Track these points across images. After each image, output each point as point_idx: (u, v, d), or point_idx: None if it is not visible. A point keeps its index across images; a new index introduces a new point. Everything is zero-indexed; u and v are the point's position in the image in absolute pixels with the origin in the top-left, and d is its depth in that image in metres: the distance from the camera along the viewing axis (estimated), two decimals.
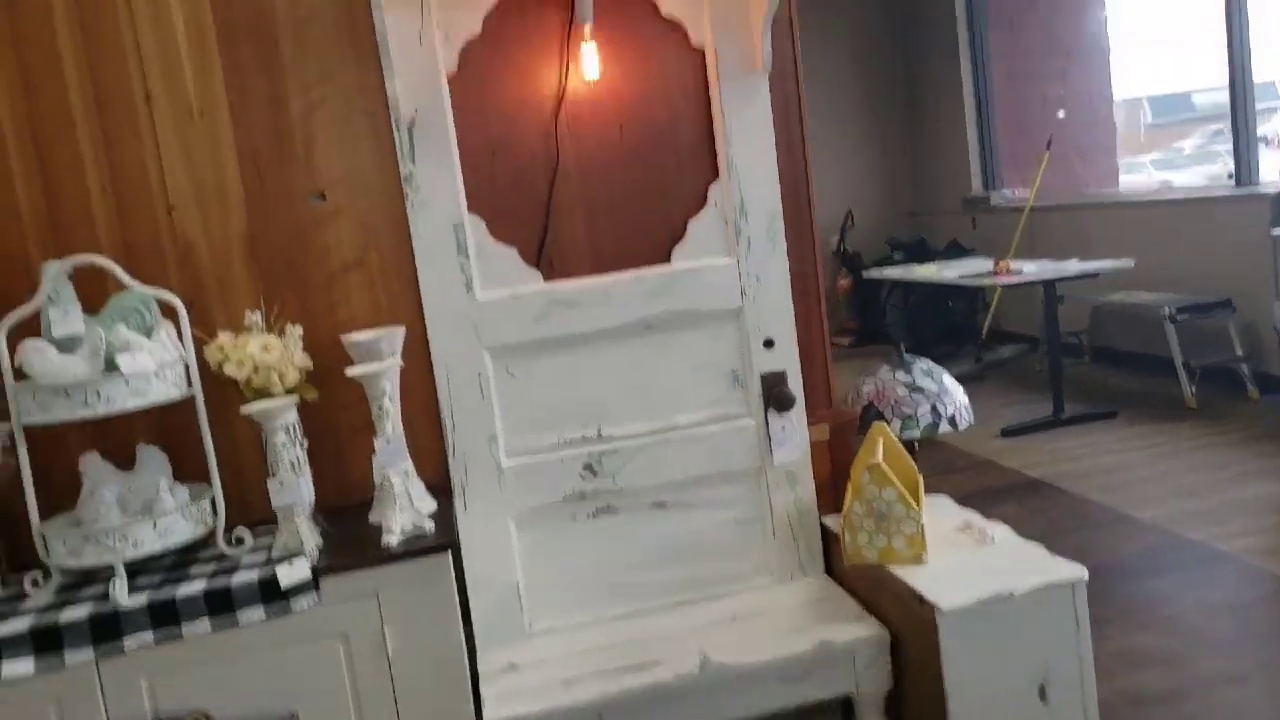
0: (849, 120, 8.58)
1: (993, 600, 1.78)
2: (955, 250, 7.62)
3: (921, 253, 7.84)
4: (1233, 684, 2.55)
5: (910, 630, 1.90)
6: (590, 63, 2.08)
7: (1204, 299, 5.27)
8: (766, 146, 2.18)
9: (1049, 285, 5.24)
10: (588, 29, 2.04)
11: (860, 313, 8.34)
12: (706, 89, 2.18)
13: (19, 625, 1.70)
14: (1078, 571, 1.84)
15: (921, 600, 1.82)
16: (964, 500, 2.32)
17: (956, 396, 2.44)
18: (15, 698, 1.70)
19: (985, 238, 7.54)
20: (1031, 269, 5.40)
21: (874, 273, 7.01)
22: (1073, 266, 5.33)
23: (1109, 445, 4.79)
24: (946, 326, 7.51)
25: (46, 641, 1.70)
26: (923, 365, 2.50)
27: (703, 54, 2.16)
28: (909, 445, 2.42)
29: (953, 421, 2.41)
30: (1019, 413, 5.54)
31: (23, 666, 1.69)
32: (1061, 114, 7.77)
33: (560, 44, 2.10)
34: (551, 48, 2.10)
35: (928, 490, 2.19)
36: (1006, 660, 1.80)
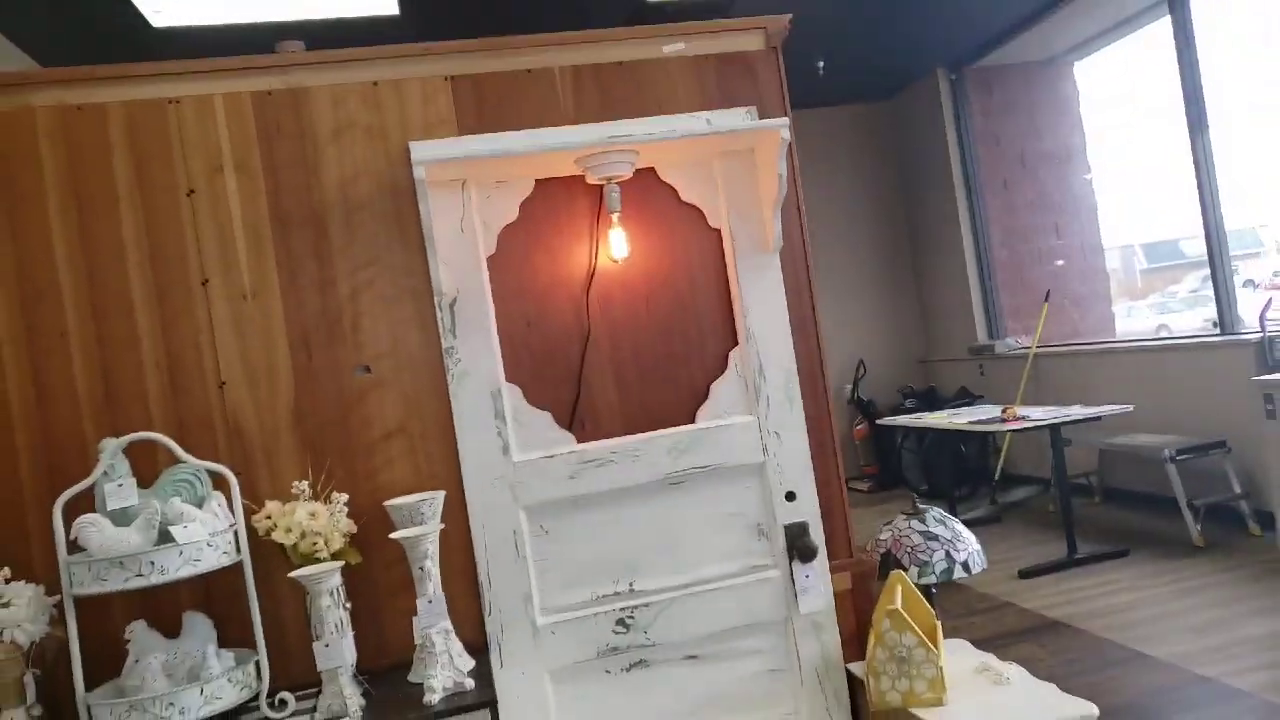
0: (859, 276, 8.90)
1: None
2: (964, 397, 7.78)
3: (932, 399, 8.00)
4: None
5: None
6: (618, 244, 2.26)
7: (1201, 440, 5.37)
8: (780, 315, 2.34)
9: (1055, 429, 5.35)
10: (615, 216, 2.22)
11: (878, 458, 8.45)
12: (724, 265, 2.35)
13: None
14: (1088, 709, 1.89)
15: None
16: (984, 642, 2.36)
17: (969, 542, 2.51)
18: None
19: (992, 384, 7.71)
20: (1038, 414, 5.52)
21: (888, 420, 7.14)
22: (1076, 411, 5.46)
23: (1122, 584, 4.80)
24: (960, 470, 7.58)
25: None
26: (935, 514, 2.58)
27: (719, 233, 2.35)
28: (926, 590, 2.48)
29: (966, 566, 2.46)
30: (1035, 554, 5.56)
31: None
32: (1060, 262, 8.08)
33: (590, 226, 2.29)
34: (582, 229, 2.29)
35: (947, 634, 2.24)
36: None
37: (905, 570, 2.44)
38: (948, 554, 2.48)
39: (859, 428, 8.36)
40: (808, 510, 2.35)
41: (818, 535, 2.35)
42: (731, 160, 2.33)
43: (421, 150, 2.14)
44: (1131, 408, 5.45)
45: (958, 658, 2.31)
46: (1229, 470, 5.28)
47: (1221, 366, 5.40)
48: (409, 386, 2.24)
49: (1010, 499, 7.13)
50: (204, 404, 2.16)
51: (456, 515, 2.20)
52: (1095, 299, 8.16)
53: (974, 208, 8.14)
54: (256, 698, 1.94)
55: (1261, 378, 3.88)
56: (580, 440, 2.29)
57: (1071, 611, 4.53)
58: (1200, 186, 5.70)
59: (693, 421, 2.33)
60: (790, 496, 2.34)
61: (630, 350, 2.32)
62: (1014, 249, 8.10)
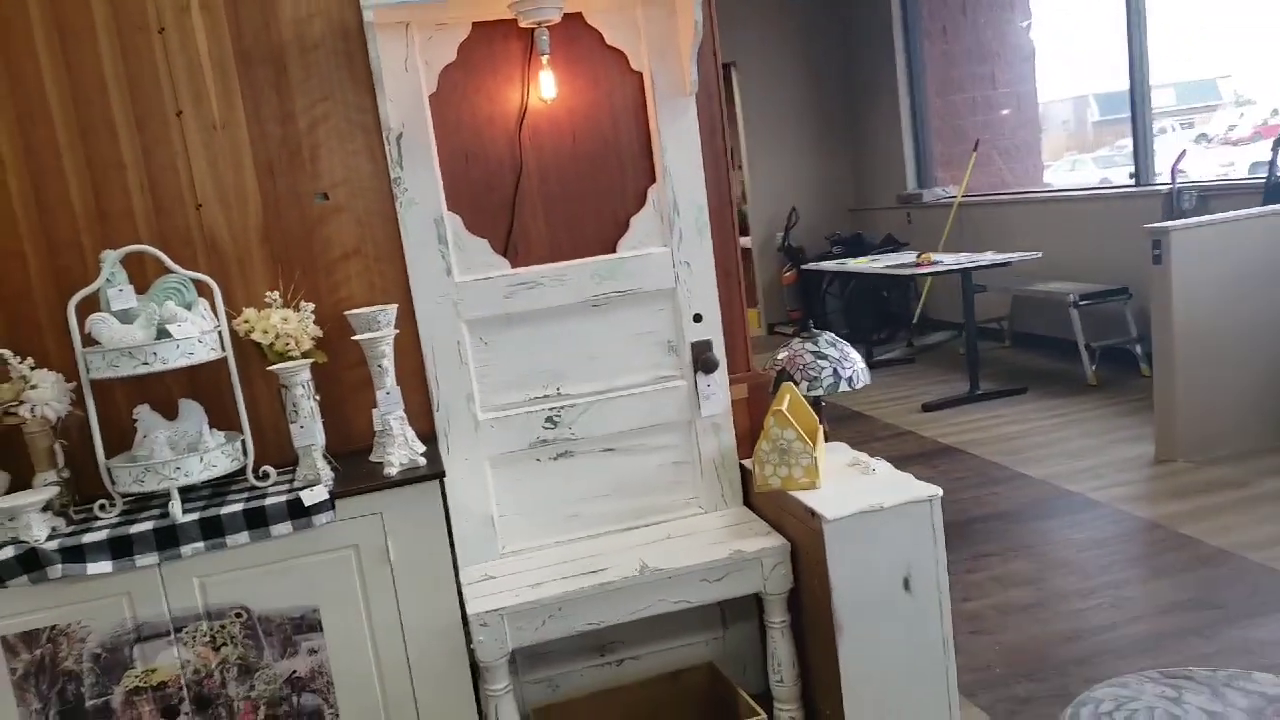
0: (794, 124, 9.12)
1: (867, 512, 2.28)
2: (890, 244, 8.19)
3: (858, 247, 8.41)
4: (1082, 597, 3.09)
5: (805, 540, 2.39)
6: (547, 84, 2.54)
7: (1104, 287, 5.86)
8: (694, 155, 2.66)
9: (965, 274, 5.80)
10: (545, 57, 2.50)
11: (804, 303, 8.90)
12: (645, 106, 2.65)
13: (98, 536, 2.13)
14: (934, 490, 2.34)
15: (812, 514, 2.31)
16: None
17: (855, 362, 2.92)
18: (98, 591, 2.14)
19: (919, 232, 8.11)
20: (950, 260, 5.95)
21: (812, 265, 7.54)
22: (986, 257, 5.90)
23: (1015, 417, 5.36)
24: (882, 315, 8.08)
25: (120, 548, 2.14)
26: (828, 337, 2.96)
27: (641, 76, 2.63)
28: (815, 402, 2.91)
29: (850, 381, 2.87)
30: (940, 390, 6.11)
31: (103, 567, 2.13)
32: (1005, 111, 8.36)
33: (522, 68, 2.56)
34: (515, 71, 2.56)
35: (851, 445, 2.69)
36: (877, 559, 2.29)
37: (796, 384, 2.86)
38: (835, 371, 2.89)
39: (788, 274, 8.77)
40: (712, 330, 2.73)
41: (720, 352, 2.74)
42: (653, 7, 2.59)
43: None
44: (1039, 254, 5.89)
45: (836, 455, 2.76)
46: (1128, 315, 5.79)
47: (1133, 217, 5.82)
48: (362, 213, 2.55)
49: (926, 342, 7.66)
50: (184, 223, 2.46)
51: (407, 326, 2.55)
52: (1027, 150, 8.49)
53: (911, 55, 8.31)
54: (243, 471, 2.32)
55: (1151, 225, 4.28)
56: (514, 265, 2.62)
57: (965, 439, 5.08)
58: (1130, 37, 5.95)
59: (614, 251, 2.68)
60: (697, 318, 2.72)
61: (558, 184, 2.64)
62: (949, 98, 8.34)
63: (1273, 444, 4.30)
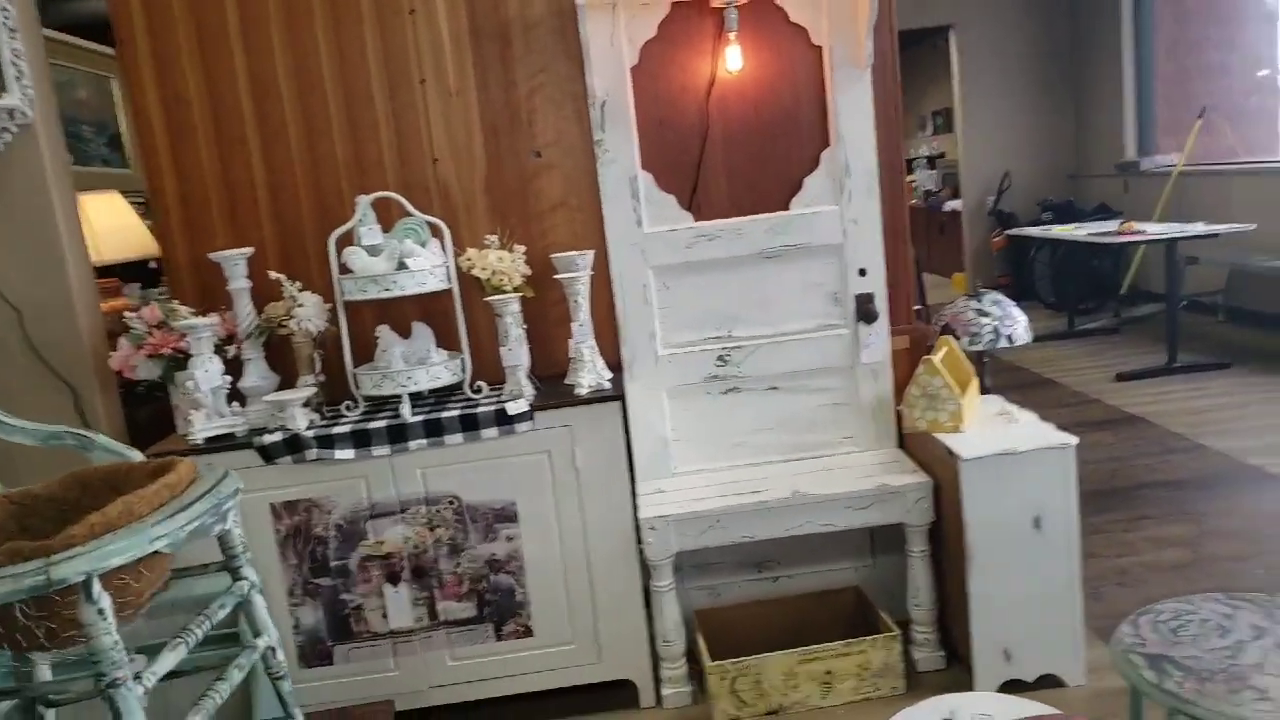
0: (1011, 88, 8.90)
1: (1001, 454, 2.48)
2: (1103, 213, 7.93)
3: (1069, 214, 8.18)
4: (1235, 561, 3.13)
5: (946, 477, 2.62)
6: (734, 58, 2.83)
7: None
8: (866, 122, 2.88)
9: (1170, 245, 5.63)
10: (732, 34, 2.78)
11: (1012, 268, 8.76)
12: (822, 78, 2.89)
13: (345, 428, 2.64)
14: (1069, 439, 2.51)
15: (951, 453, 2.53)
16: (1062, 428, 2.91)
17: (1017, 321, 3.06)
18: (343, 473, 2.66)
19: (1135, 202, 7.81)
20: (1154, 229, 5.79)
21: (1016, 231, 7.44)
22: (1194, 228, 5.70)
23: (1211, 391, 5.22)
24: (1090, 283, 7.86)
25: (361, 440, 2.64)
26: (993, 296, 3.12)
27: (820, 50, 2.87)
28: (976, 356, 3.09)
29: (1010, 339, 3.03)
30: (1139, 361, 5.98)
31: (347, 454, 2.64)
32: (1265, 72, 7.86)
33: (712, 43, 2.86)
34: (706, 46, 2.87)
35: (1018, 397, 2.87)
36: (1010, 498, 2.49)
37: (957, 338, 3.05)
38: (995, 328, 3.06)
39: (996, 239, 8.64)
40: (875, 284, 2.96)
41: (881, 304, 2.97)
42: None
43: None
44: (1253, 226, 5.64)
45: (987, 405, 2.95)
46: None
47: None
48: (569, 170, 2.94)
49: (1134, 314, 7.42)
50: (422, 174, 2.93)
51: (601, 271, 2.92)
52: (1261, 118, 7.96)
53: (1140, 14, 7.93)
54: (461, 384, 2.78)
55: None
56: (697, 219, 2.94)
57: (1152, 410, 5.02)
58: None
59: (787, 208, 2.95)
60: (862, 272, 2.96)
61: (740, 147, 2.93)
62: (1179, 61, 7.92)
63: None
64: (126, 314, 2.83)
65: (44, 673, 1.57)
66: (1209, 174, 7.06)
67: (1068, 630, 2.56)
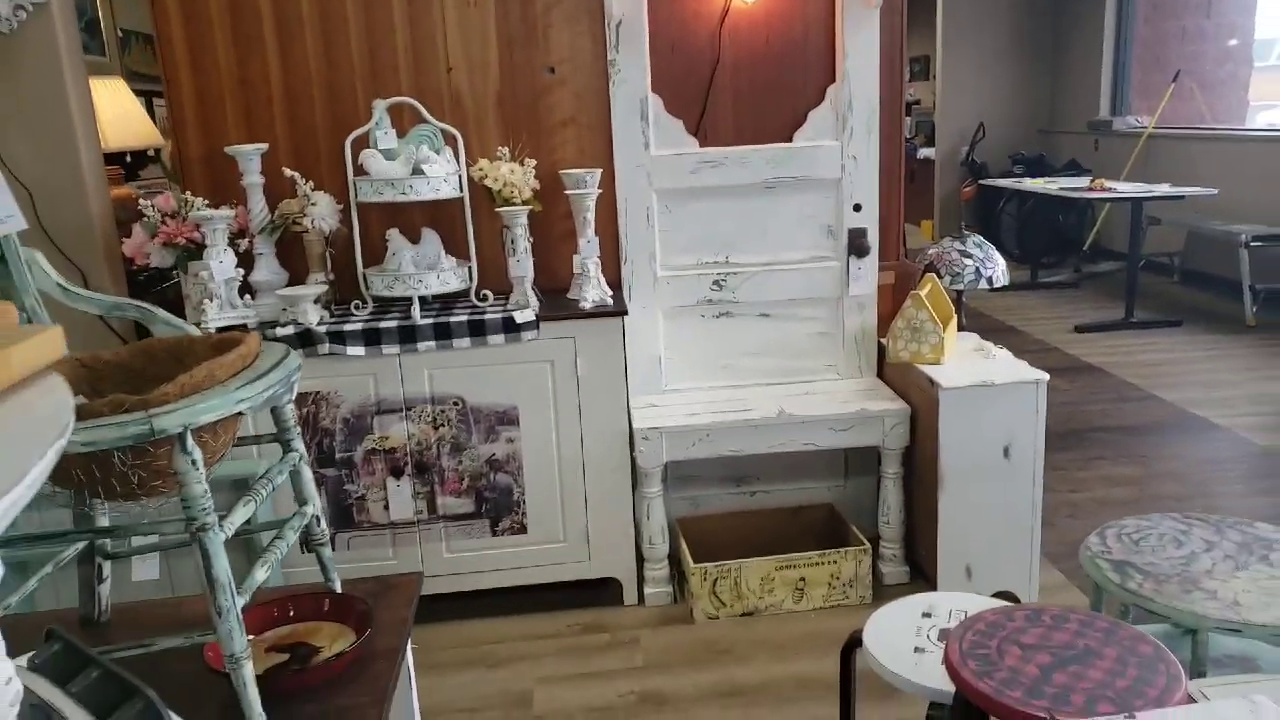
0: (992, 41, 9.00)
1: (978, 385, 2.65)
2: (1073, 169, 8.12)
3: (1040, 168, 8.37)
4: (1177, 500, 3.38)
5: (924, 406, 2.79)
6: None
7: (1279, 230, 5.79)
8: (872, 62, 2.98)
9: (1136, 204, 5.84)
10: None
11: (980, 219, 8.95)
12: (833, 15, 2.98)
13: (355, 326, 2.74)
14: (1040, 375, 2.69)
15: (931, 382, 2.70)
16: None
17: (998, 264, 3.23)
18: (352, 370, 2.76)
19: (1105, 160, 8.01)
20: (1123, 188, 5.99)
21: (988, 181, 7.61)
22: (1160, 189, 5.90)
23: (1165, 346, 5.47)
24: (1055, 238, 8.08)
25: (371, 338, 2.74)
26: (976, 239, 3.28)
27: None
28: (957, 295, 3.25)
29: (990, 280, 3.20)
30: (1096, 315, 6.23)
31: (358, 350, 2.74)
32: (1234, 42, 8.04)
33: None
34: None
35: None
36: (983, 428, 2.67)
37: (940, 277, 3.21)
38: (977, 270, 3.23)
39: (966, 188, 8.81)
40: (869, 219, 3.09)
41: (873, 239, 3.11)
42: None
43: None
44: (1216, 191, 5.86)
45: (965, 342, 3.12)
46: None
47: None
48: (581, 87, 3.01)
49: (1095, 269, 7.67)
50: (436, 82, 2.98)
51: (607, 189, 3.01)
52: (1231, 85, 8.17)
53: None
54: (469, 291, 2.88)
55: None
56: (702, 145, 3.04)
57: (1108, 360, 5.26)
58: None
59: (790, 141, 3.06)
60: (857, 208, 3.09)
61: (748, 78, 3.02)
62: (1157, 25, 8.08)
63: None
64: (142, 201, 2.87)
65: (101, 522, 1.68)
66: (1177, 137, 7.26)
67: (1025, 552, 2.77)
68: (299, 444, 1.67)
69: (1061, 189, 6.33)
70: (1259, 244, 5.75)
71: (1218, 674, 1.72)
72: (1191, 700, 1.39)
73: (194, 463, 1.30)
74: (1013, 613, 1.56)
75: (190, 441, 1.29)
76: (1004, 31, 8.98)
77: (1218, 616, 1.59)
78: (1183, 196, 5.81)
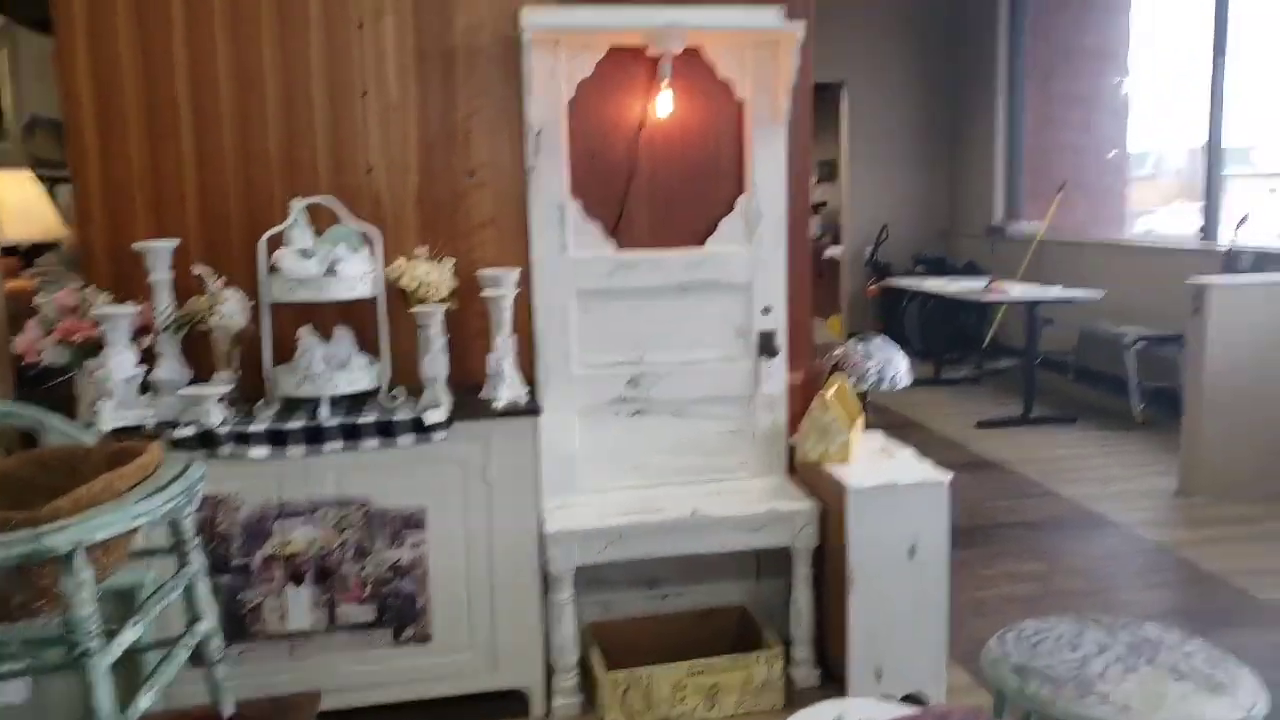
0: (895, 146, 9.45)
1: (884, 486, 2.71)
2: (971, 270, 8.48)
3: (940, 268, 8.72)
4: (1079, 597, 3.47)
5: (832, 505, 2.84)
6: (664, 104, 3.01)
7: (1162, 333, 6.12)
8: (780, 174, 3.10)
9: (1030, 306, 6.11)
10: (665, 82, 2.96)
11: (885, 316, 9.25)
12: (743, 130, 3.10)
13: (260, 427, 2.67)
14: (944, 476, 2.76)
15: (839, 483, 2.75)
16: None
17: (899, 366, 3.33)
18: (255, 472, 2.69)
19: (1001, 262, 8.39)
20: (1017, 291, 6.28)
21: (892, 281, 7.89)
22: (1052, 292, 6.21)
23: (1061, 443, 5.69)
24: (957, 335, 8.38)
25: (277, 439, 2.68)
26: (879, 341, 3.38)
27: (743, 104, 3.08)
28: (862, 395, 3.34)
29: (892, 381, 3.30)
30: (997, 411, 6.44)
31: (261, 452, 2.67)
32: (1114, 152, 8.58)
33: (646, 87, 3.04)
34: (640, 90, 3.04)
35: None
36: (890, 528, 2.72)
37: (846, 377, 3.29)
38: (880, 371, 3.32)
39: (872, 287, 9.11)
40: (778, 322, 3.18)
41: (782, 341, 3.19)
42: (760, 49, 3.04)
43: (530, 17, 2.87)
44: (1101, 295, 6.17)
45: (869, 441, 3.19)
46: (1180, 361, 6.03)
47: (1196, 270, 6.07)
48: (500, 191, 3.06)
49: (995, 366, 7.95)
50: (355, 182, 2.99)
51: (525, 288, 3.04)
52: (1111, 197, 8.70)
53: (1013, 94, 8.58)
54: (379, 390, 2.85)
55: (1194, 280, 4.59)
56: (619, 248, 3.10)
57: (1009, 457, 5.43)
58: (1212, 97, 6.20)
59: (703, 245, 3.14)
60: (766, 310, 3.17)
61: (664, 186, 3.11)
62: (1043, 137, 8.59)
63: None
64: (38, 298, 2.79)
65: None
66: (1065, 243, 7.67)
67: (934, 653, 2.81)
68: (198, 556, 1.62)
69: (960, 290, 6.59)
70: (1143, 345, 6.05)
71: None
72: None
73: (82, 584, 1.24)
74: None
75: (80, 561, 1.24)
76: (905, 139, 9.43)
77: None
78: (1071, 300, 6.10)
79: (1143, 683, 1.74)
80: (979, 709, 1.57)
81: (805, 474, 3.08)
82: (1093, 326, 6.72)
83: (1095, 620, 1.94)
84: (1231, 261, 5.72)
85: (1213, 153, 6.21)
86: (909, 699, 2.68)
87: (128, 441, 1.56)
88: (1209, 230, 6.24)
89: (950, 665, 2.91)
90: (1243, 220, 5.85)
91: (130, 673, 2.30)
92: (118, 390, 2.68)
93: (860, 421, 3.13)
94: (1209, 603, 3.48)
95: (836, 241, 10.41)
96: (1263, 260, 5.61)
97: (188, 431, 2.66)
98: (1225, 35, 6.03)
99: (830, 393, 3.00)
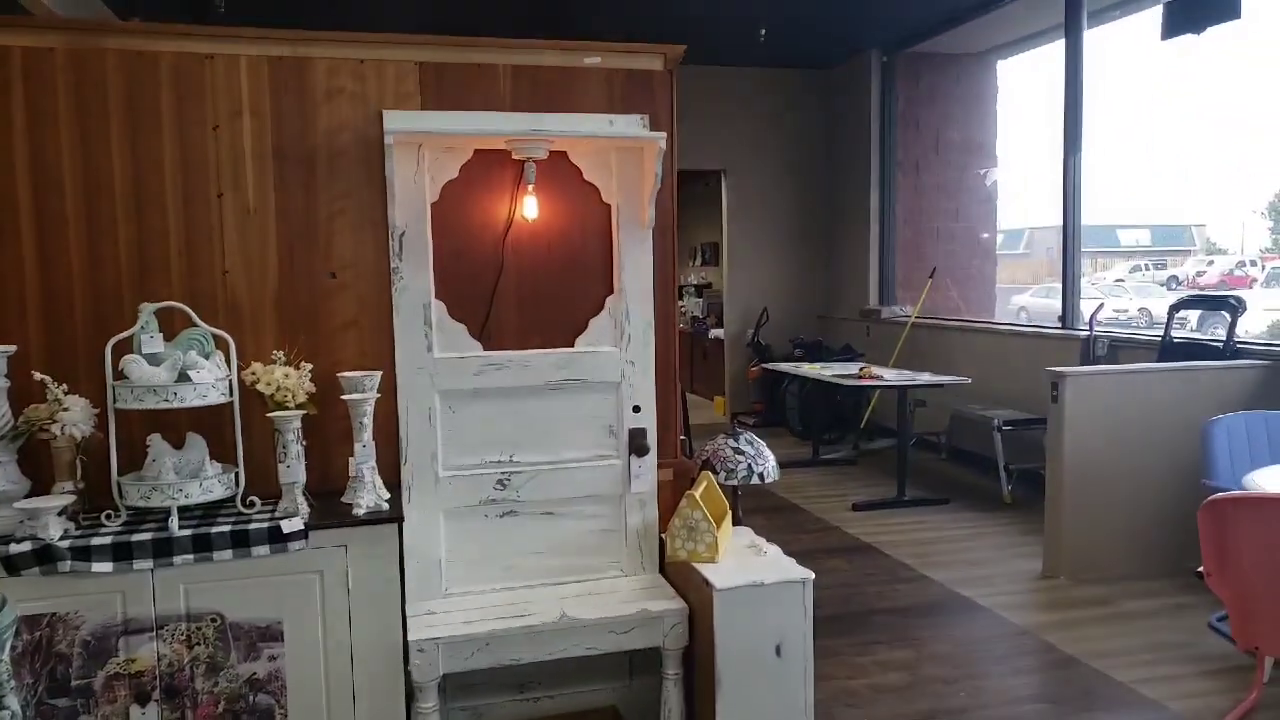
0: (774, 232, 9.77)
1: (750, 586, 2.74)
2: (848, 353, 8.74)
3: (818, 352, 8.96)
4: (946, 684, 3.54)
5: (701, 605, 2.84)
6: (531, 206, 3.05)
7: (1027, 415, 6.40)
8: (646, 276, 3.16)
9: (902, 391, 6.32)
10: (530, 186, 3.01)
11: (766, 397, 9.43)
12: (610, 232, 3.16)
13: (104, 540, 2.55)
14: (807, 574, 2.80)
15: (707, 583, 2.76)
16: (802, 554, 3.19)
17: (768, 460, 3.38)
18: (97, 587, 2.55)
19: (876, 345, 8.68)
20: (889, 375, 6.49)
21: (770, 365, 8.07)
22: (923, 377, 6.44)
23: (933, 524, 5.84)
24: (835, 417, 8.59)
25: (122, 552, 2.55)
26: (748, 437, 3.43)
27: (610, 208, 3.15)
28: (732, 490, 3.38)
29: (761, 476, 3.33)
30: (872, 493, 6.59)
31: (105, 567, 2.54)
32: (985, 235, 9.02)
33: (511, 190, 3.07)
34: (505, 192, 3.07)
35: (772, 539, 3.16)
36: (756, 626, 2.74)
37: (715, 473, 3.33)
38: (749, 465, 3.37)
39: (753, 369, 9.31)
40: (647, 420, 3.20)
41: (652, 439, 3.21)
42: (625, 154, 3.12)
43: (392, 120, 2.90)
44: (969, 380, 6.43)
45: (739, 538, 3.22)
46: (1046, 443, 6.31)
47: (1057, 355, 6.39)
48: (363, 292, 3.03)
49: (871, 446, 8.16)
50: (211, 285, 2.92)
51: (388, 390, 3.00)
52: (980, 280, 9.14)
53: (885, 183, 9.00)
54: (234, 498, 2.75)
55: (1052, 368, 4.83)
56: (487, 348, 3.10)
57: (883, 539, 5.54)
58: (1065, 196, 6.60)
59: (572, 346, 3.16)
60: (636, 409, 3.19)
61: (531, 286, 3.13)
62: (915, 225, 9.00)
63: (1142, 571, 4.79)
64: None
65: None
66: (936, 327, 7.99)
67: None
68: (12, 701, 1.51)
69: (835, 375, 6.78)
70: (1010, 428, 6.31)
71: None
72: None
73: None
74: None
75: None
76: (783, 225, 9.75)
77: None
78: (941, 384, 6.34)
79: None
80: None
81: (674, 572, 3.08)
82: (963, 409, 6.99)
83: None
84: (1089, 348, 6.05)
85: (1068, 239, 6.58)
86: None
87: None
88: (1067, 316, 6.59)
89: None
90: (1098, 309, 6.21)
91: None
92: None
93: (729, 518, 3.16)
94: (1071, 686, 3.59)
95: (720, 322, 10.62)
96: (1116, 348, 5.94)
97: (24, 547, 2.52)
98: (1079, 130, 6.44)
99: (699, 491, 3.03)
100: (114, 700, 2.61)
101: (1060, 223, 6.69)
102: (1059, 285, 9.59)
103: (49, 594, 2.55)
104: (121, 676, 2.61)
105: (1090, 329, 6.13)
